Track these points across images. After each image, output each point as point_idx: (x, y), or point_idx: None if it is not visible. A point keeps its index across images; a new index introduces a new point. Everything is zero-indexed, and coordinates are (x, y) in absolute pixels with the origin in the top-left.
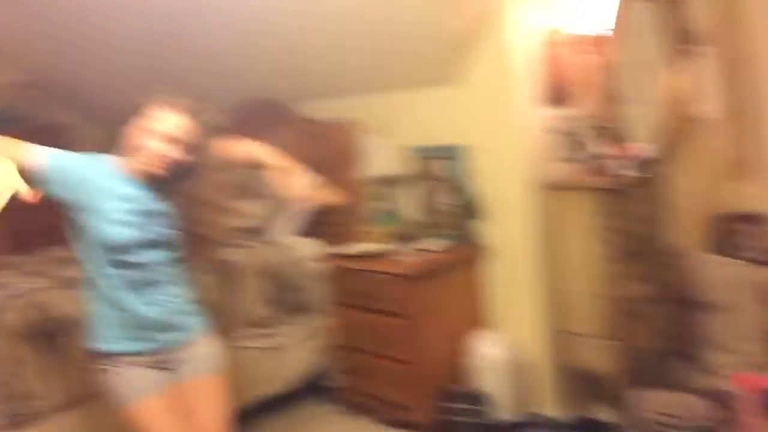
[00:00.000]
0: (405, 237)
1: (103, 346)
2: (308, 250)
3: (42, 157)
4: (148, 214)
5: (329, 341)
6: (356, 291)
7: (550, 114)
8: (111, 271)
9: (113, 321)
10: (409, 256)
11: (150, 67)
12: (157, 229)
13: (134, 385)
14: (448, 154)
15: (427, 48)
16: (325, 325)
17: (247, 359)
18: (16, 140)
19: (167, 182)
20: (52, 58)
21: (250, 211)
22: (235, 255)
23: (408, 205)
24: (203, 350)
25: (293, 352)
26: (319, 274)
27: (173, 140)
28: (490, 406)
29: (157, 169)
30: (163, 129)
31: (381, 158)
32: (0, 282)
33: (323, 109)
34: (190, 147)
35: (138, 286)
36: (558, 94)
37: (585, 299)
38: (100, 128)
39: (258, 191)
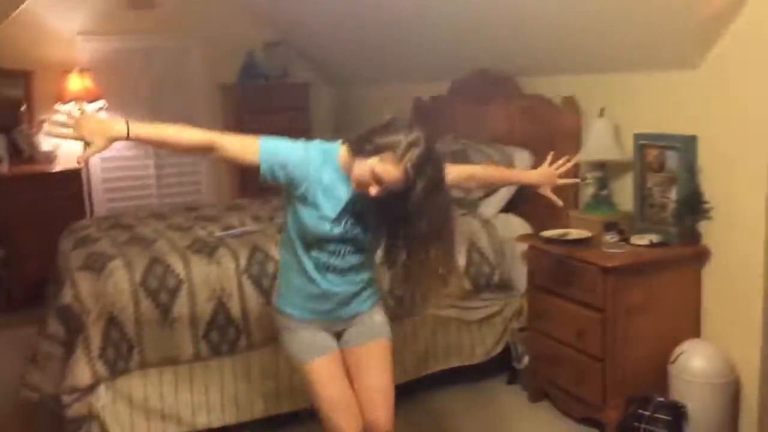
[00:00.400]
0: (615, 227)
1: (287, 308)
2: (512, 228)
3: (266, 149)
4: (355, 215)
5: (521, 323)
6: (556, 276)
7: None
8: (306, 250)
9: (297, 290)
10: (618, 248)
11: (379, 36)
12: (358, 231)
13: (308, 346)
14: (673, 143)
15: (670, 29)
16: (520, 306)
17: (441, 329)
18: (243, 137)
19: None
20: (294, 21)
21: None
22: None
23: (623, 194)
24: (375, 319)
25: (485, 327)
26: (520, 254)
27: (379, 181)
28: (689, 422)
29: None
30: (377, 170)
31: (600, 141)
32: (228, 222)
33: (548, 85)
34: (390, 191)
35: (327, 268)
36: None
37: None
38: (331, 87)
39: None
